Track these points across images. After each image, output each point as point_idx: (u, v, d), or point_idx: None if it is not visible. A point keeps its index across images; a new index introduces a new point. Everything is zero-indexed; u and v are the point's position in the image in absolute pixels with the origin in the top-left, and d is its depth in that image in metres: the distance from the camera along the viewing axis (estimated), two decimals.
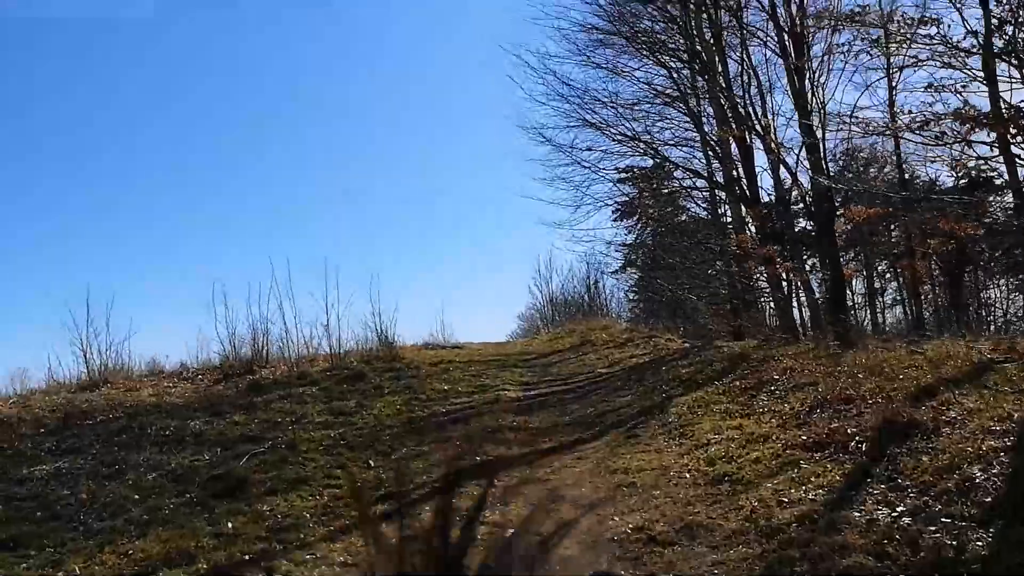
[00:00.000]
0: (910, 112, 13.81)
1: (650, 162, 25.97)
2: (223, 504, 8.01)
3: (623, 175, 27.27)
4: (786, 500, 6.84)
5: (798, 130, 17.24)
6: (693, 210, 30.75)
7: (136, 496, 8.41)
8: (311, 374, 15.71)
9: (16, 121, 41.40)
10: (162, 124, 45.62)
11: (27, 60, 42.53)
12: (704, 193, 24.95)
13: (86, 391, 16.05)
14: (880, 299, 40.75)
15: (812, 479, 7.19)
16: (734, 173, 20.79)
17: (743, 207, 21.35)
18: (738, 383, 11.72)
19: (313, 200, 47.82)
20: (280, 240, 41.56)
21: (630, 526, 6.84)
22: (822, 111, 16.91)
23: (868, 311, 30.66)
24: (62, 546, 7.25)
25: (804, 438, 8.31)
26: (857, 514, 6.26)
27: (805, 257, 22.02)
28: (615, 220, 32.42)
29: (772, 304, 22.75)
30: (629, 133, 21.67)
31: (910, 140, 14.90)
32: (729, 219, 24.09)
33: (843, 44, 16.43)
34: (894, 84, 19.42)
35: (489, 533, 6.90)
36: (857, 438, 7.89)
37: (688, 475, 8.10)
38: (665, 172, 26.93)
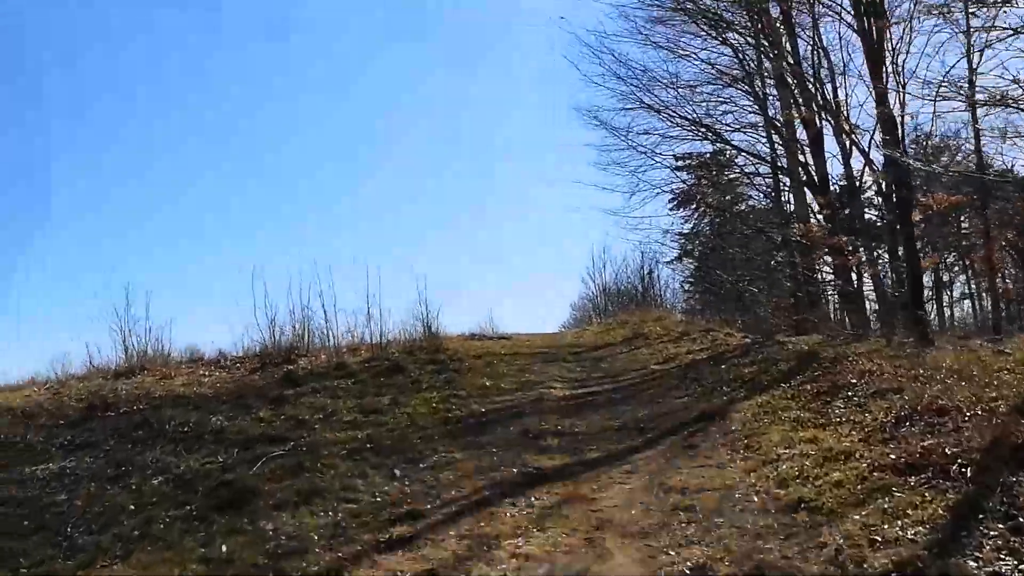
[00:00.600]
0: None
1: (709, 148, 24.56)
2: (223, 519, 7.01)
3: (681, 162, 25.95)
4: (879, 539, 5.58)
5: (871, 114, 15.77)
6: (753, 199, 29.33)
7: (133, 506, 7.47)
8: (349, 365, 14.75)
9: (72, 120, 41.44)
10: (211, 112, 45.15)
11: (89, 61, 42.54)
12: (767, 180, 23.46)
13: (121, 378, 15.37)
14: (948, 292, 38.65)
15: (909, 511, 5.91)
16: (801, 158, 19.29)
17: (809, 194, 19.85)
18: (809, 386, 10.40)
19: (363, 193, 46.96)
20: (327, 232, 40.82)
21: (688, 564, 5.65)
22: (901, 90, 15.41)
23: (935, 305, 28.71)
24: (38, 565, 6.31)
25: (893, 457, 7.02)
26: (973, 563, 5.00)
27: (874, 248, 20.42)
28: (672, 209, 31.03)
29: (838, 298, 21.19)
30: (689, 116, 20.27)
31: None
32: (792, 207, 22.57)
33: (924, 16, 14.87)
34: (975, 66, 17.69)
35: (518, 569, 5.78)
36: (959, 460, 6.58)
37: (756, 498, 6.87)
38: (725, 159, 25.50)
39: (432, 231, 43.57)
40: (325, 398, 11.93)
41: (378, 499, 7.33)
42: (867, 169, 16.75)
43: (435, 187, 48.57)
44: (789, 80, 18.19)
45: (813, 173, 18.78)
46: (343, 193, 46.75)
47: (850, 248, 15.69)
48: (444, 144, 49.25)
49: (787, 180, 21.62)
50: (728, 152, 24.07)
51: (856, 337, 16.18)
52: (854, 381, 10.06)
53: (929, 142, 26.84)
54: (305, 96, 47.61)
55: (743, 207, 29.65)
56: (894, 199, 15.56)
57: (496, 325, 21.67)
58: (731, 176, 25.01)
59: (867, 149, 16.27)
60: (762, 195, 25.99)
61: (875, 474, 6.80)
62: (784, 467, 7.43)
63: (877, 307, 20.44)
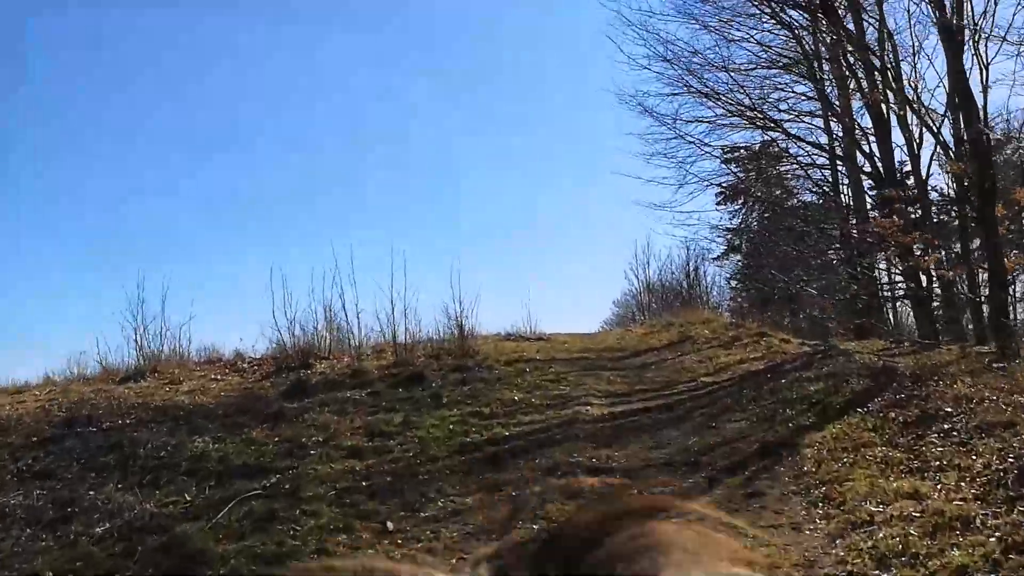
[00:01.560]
0: None
1: (759, 140, 22.56)
2: None
3: (729, 154, 24.01)
4: None
5: (941, 101, 13.74)
6: (805, 194, 27.23)
7: (50, 573, 5.86)
8: (367, 372, 13.13)
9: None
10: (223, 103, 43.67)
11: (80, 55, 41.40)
12: (823, 172, 21.37)
13: (128, 381, 13.98)
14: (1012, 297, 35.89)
15: None
16: (864, 148, 17.24)
17: (871, 188, 17.84)
18: (893, 414, 8.50)
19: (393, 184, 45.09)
20: (353, 228, 38.90)
21: None
22: (984, 71, 13.37)
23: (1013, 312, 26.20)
24: None
25: None
26: None
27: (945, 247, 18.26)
28: (719, 203, 29.06)
29: (903, 302, 19.08)
30: (743, 102, 18.29)
31: None
32: (850, 201, 20.49)
33: None
34: None
35: None
36: None
37: None
38: (778, 150, 23.42)
39: (468, 227, 41.54)
40: (331, 414, 10.32)
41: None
42: (940, 157, 14.72)
43: (471, 182, 46.29)
44: (852, 60, 16.16)
45: (878, 163, 16.73)
46: (374, 185, 44.45)
47: (923, 247, 13.62)
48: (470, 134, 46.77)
49: (845, 172, 19.57)
50: (781, 143, 22.04)
51: (925, 346, 14.19)
52: (949, 410, 8.15)
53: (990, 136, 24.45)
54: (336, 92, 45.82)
55: (795, 202, 27.57)
56: (970, 194, 13.52)
57: (534, 324, 20.00)
58: (784, 168, 22.91)
59: (938, 133, 14.22)
60: (818, 189, 23.89)
61: (1008, 556, 4.95)
62: (881, 536, 5.58)
63: (941, 312, 18.38)
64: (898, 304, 22.87)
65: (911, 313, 25.09)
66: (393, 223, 39.81)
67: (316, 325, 16.43)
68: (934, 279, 16.18)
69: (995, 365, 10.22)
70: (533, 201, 45.46)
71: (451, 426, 9.50)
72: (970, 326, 17.94)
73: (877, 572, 5.14)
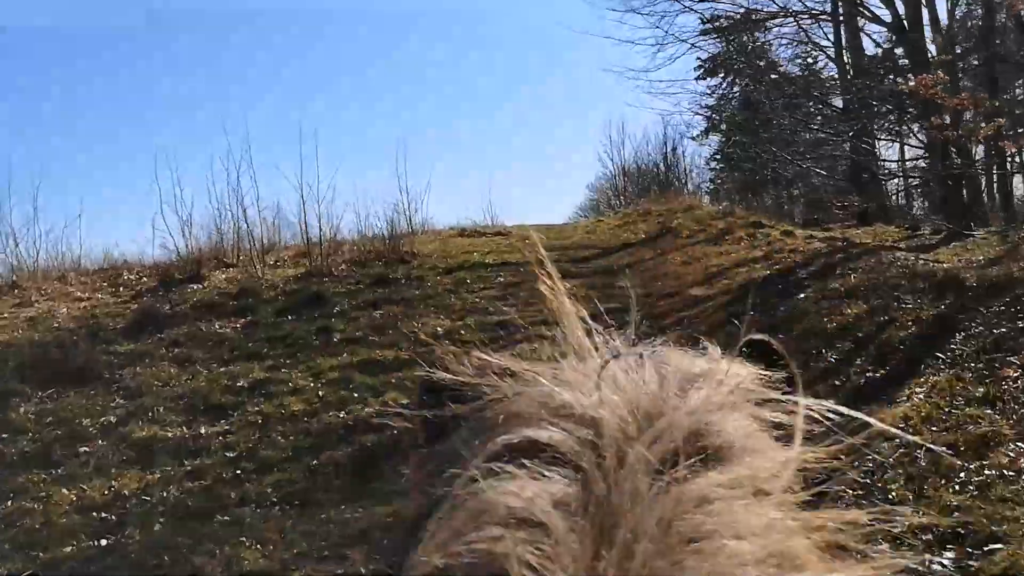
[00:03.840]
0: None
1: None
2: None
3: (710, 24, 19.91)
4: None
5: None
6: (790, 66, 23.21)
7: None
8: (257, 290, 9.59)
9: None
10: None
11: None
12: (824, 29, 17.27)
13: None
14: None
15: None
16: None
17: (888, 41, 13.96)
18: (999, 364, 5.00)
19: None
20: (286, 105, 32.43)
21: None
22: None
23: None
24: None
25: None
26: None
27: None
28: (699, 78, 25.07)
29: (929, 182, 15.41)
30: None
31: None
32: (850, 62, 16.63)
33: None
34: None
35: None
36: None
37: None
38: (766, 14, 19.30)
39: (417, 107, 35.37)
40: (169, 365, 6.78)
41: None
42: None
43: (415, 52, 38.98)
44: None
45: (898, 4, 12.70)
46: (315, 54, 36.97)
47: (981, 111, 9.86)
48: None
49: (846, 28, 15.59)
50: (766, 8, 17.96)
51: (952, 234, 10.73)
52: None
53: None
54: None
55: (779, 75, 23.55)
56: None
57: (495, 215, 16.51)
58: (778, 24, 18.80)
59: None
60: (812, 53, 19.89)
61: None
62: None
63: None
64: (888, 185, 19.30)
65: (901, 195, 21.60)
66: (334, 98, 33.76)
67: (220, 224, 12.80)
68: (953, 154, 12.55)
69: None
70: (500, 79, 40.25)
71: (321, 391, 5.94)
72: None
73: None
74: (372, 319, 8.03)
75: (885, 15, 12.94)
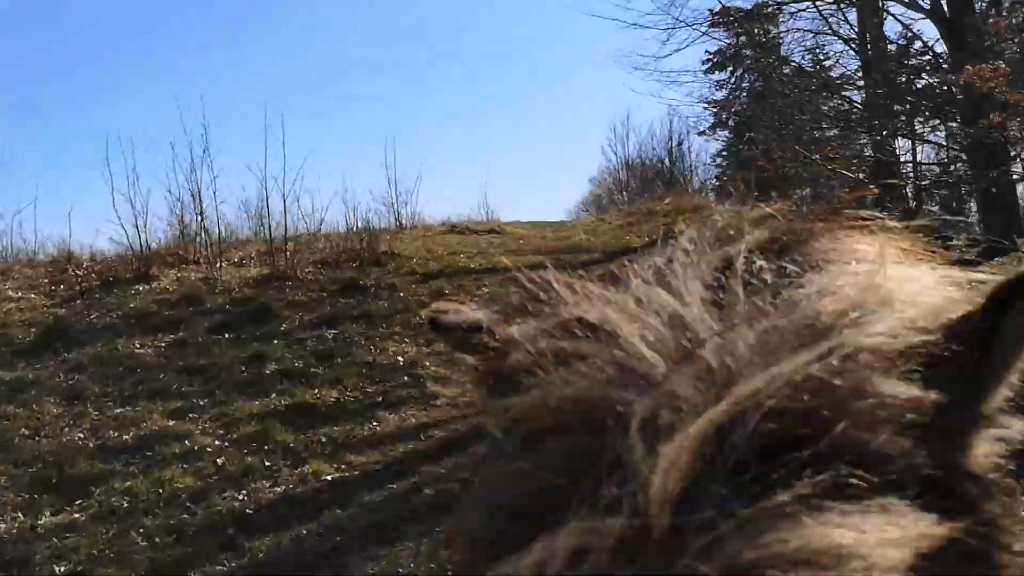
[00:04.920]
0: None
1: None
2: None
3: (718, 17, 18.23)
4: None
5: None
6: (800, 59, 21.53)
7: None
8: (201, 299, 8.02)
9: None
10: None
11: None
12: (847, 19, 15.53)
13: None
14: None
15: None
16: None
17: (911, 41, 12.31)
18: None
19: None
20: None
21: None
22: None
23: None
24: None
25: None
26: None
27: None
28: (707, 72, 23.57)
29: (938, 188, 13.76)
30: None
31: None
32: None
33: None
34: None
35: None
36: None
37: None
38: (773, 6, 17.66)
39: (411, 96, 33.37)
40: (49, 407, 5.21)
41: None
42: None
43: (410, 37, 37.04)
44: None
45: None
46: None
47: None
48: None
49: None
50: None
51: (993, 248, 9.15)
52: None
53: None
54: None
55: (790, 69, 21.86)
56: None
57: (492, 209, 15.08)
58: (799, 8, 17.03)
59: None
60: (825, 47, 18.18)
61: None
62: None
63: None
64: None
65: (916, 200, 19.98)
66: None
67: (182, 215, 11.23)
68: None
69: None
70: (499, 68, 38.44)
71: (223, 455, 4.35)
72: None
73: None
74: (322, 341, 6.46)
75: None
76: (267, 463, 4.14)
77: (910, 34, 13.97)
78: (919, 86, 12.52)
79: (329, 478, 3.94)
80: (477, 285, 8.93)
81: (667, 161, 26.82)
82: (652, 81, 26.38)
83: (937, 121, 12.23)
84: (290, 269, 9.59)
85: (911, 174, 14.88)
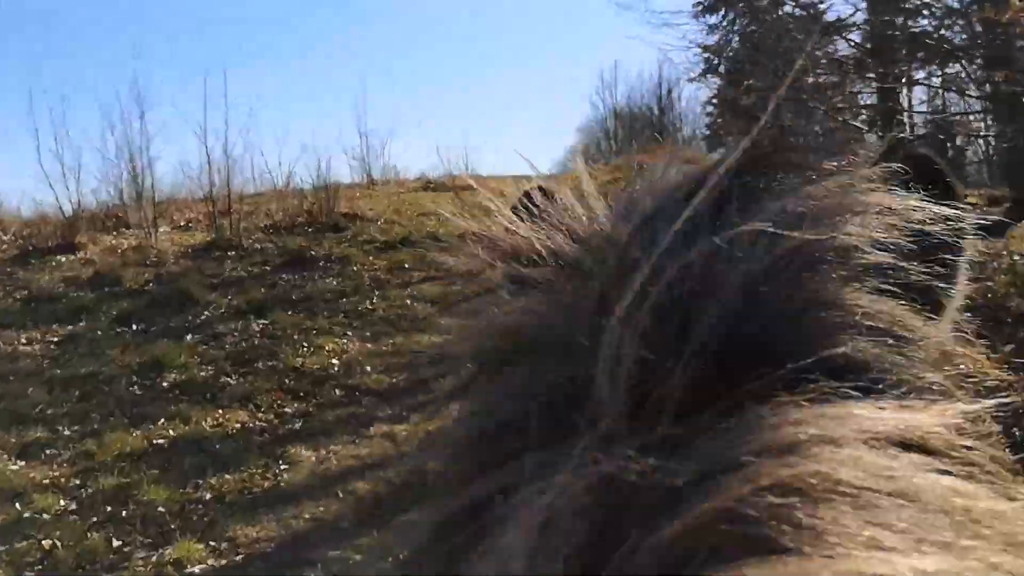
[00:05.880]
0: None
1: None
2: None
3: None
4: None
5: None
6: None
7: None
8: (118, 277, 6.75)
9: None
10: None
11: None
12: None
13: None
14: None
15: None
16: None
17: None
18: None
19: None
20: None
21: None
22: None
23: None
24: None
25: None
26: None
27: None
28: (697, 16, 21.77)
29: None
30: None
31: None
32: None
33: None
34: None
35: None
36: None
37: None
38: None
39: (388, 43, 31.62)
40: None
41: None
42: None
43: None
44: None
45: None
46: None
47: None
48: None
49: None
50: None
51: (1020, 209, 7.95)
52: None
53: None
54: None
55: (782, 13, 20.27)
56: None
57: (471, 163, 13.90)
58: None
59: None
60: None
61: None
62: None
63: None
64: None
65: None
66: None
67: (120, 175, 9.86)
68: None
69: None
70: (487, 15, 36.47)
71: (63, 526, 3.15)
72: None
73: None
74: (244, 338, 5.24)
75: None
76: (116, 542, 2.97)
77: None
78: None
79: (197, 571, 2.77)
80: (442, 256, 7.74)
81: (656, 109, 25.37)
82: (643, 26, 24.68)
83: (958, 66, 10.85)
84: (235, 236, 8.33)
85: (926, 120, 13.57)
